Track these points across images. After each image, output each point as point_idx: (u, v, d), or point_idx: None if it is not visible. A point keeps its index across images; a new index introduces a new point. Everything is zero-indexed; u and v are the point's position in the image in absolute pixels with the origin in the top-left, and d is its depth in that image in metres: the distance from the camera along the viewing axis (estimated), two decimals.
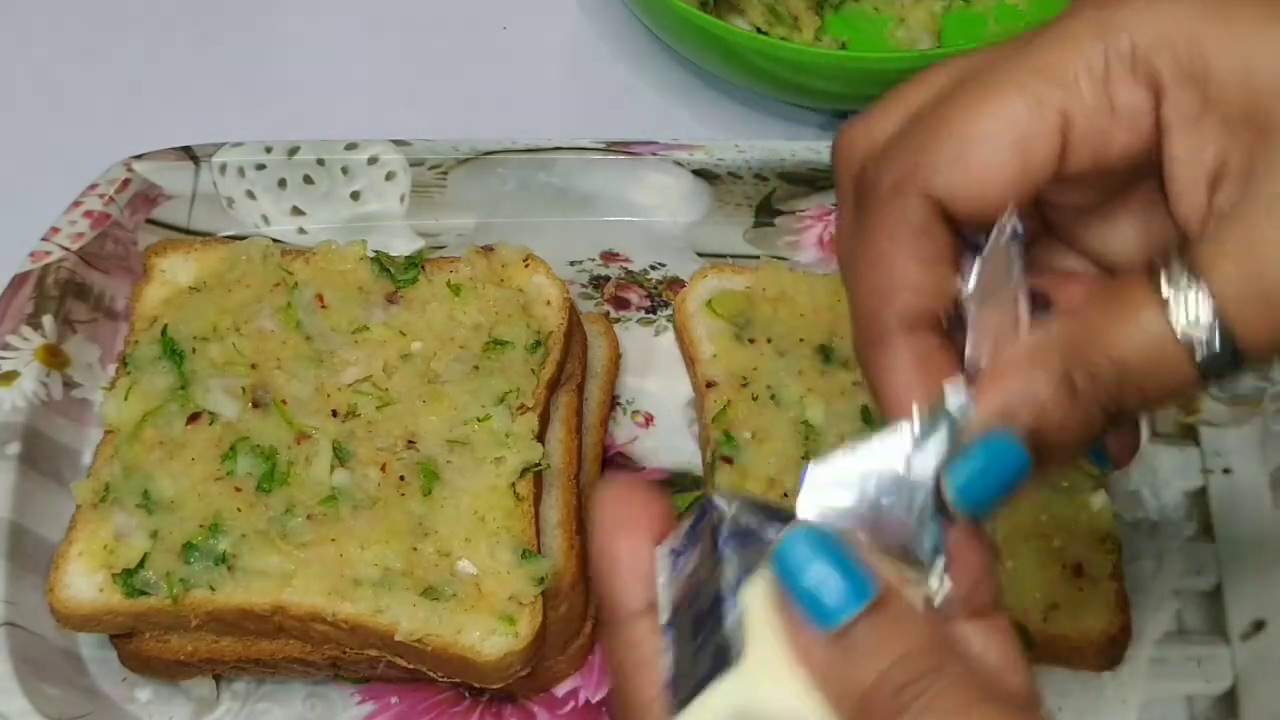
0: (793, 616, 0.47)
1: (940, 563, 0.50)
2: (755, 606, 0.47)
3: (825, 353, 0.89)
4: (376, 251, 0.90)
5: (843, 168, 0.56)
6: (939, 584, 0.50)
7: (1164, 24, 0.49)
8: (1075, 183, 0.52)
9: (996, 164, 0.50)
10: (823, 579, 0.46)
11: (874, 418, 0.86)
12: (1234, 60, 0.48)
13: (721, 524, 0.49)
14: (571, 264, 0.97)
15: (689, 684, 0.48)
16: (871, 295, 0.52)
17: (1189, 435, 0.91)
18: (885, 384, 0.52)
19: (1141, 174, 0.52)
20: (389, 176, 0.98)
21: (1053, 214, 0.56)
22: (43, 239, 0.93)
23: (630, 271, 0.98)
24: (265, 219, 0.99)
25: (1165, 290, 0.48)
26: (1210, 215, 0.50)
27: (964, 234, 0.52)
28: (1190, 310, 0.48)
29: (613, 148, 0.97)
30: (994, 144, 0.50)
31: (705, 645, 0.48)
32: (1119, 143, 0.50)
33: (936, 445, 0.50)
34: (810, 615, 0.46)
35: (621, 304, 0.97)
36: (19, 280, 0.91)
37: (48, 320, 0.90)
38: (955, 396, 0.50)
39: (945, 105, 0.51)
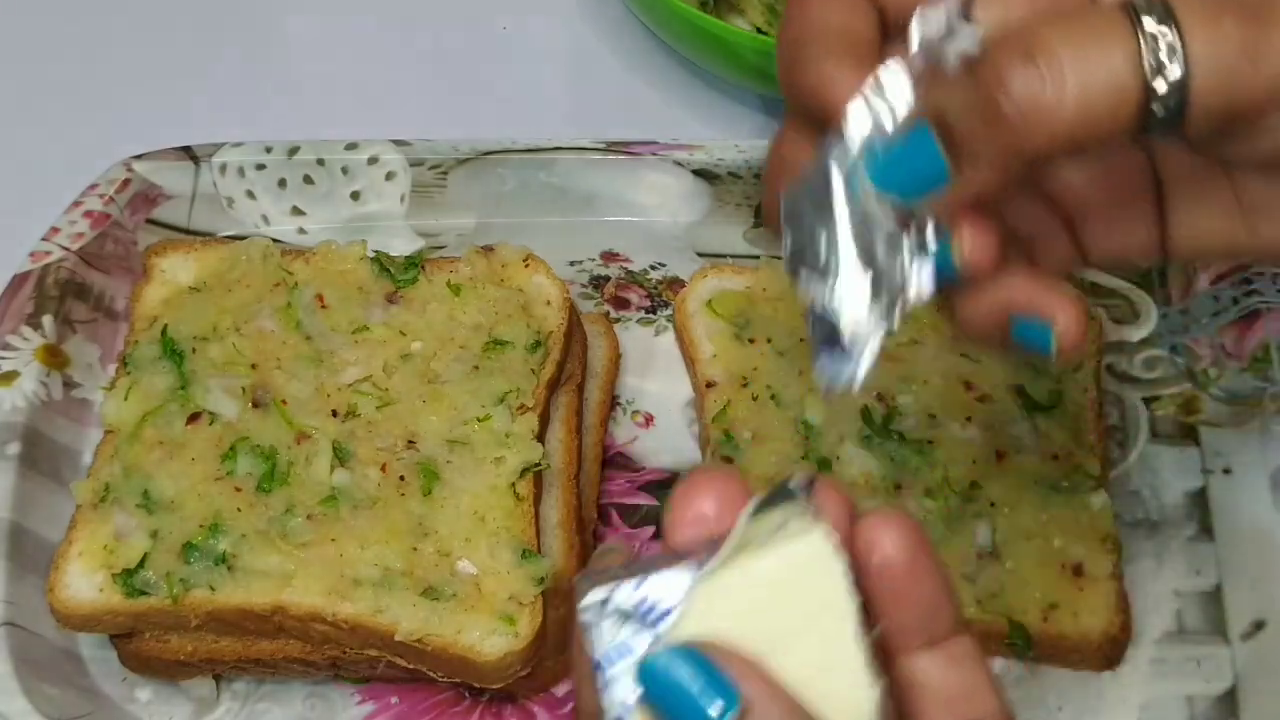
0: None
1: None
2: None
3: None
4: (376, 251, 0.90)
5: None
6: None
7: None
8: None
9: None
10: (684, 699, 0.45)
11: (874, 417, 0.86)
12: None
13: (598, 637, 0.48)
14: (571, 264, 0.98)
15: None
16: (803, 34, 0.52)
17: (1189, 435, 0.91)
18: (823, 83, 0.51)
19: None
20: (389, 176, 0.98)
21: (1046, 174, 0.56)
22: (43, 239, 0.93)
23: (630, 271, 0.98)
24: (265, 219, 0.99)
25: (1147, 26, 0.46)
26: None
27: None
28: (1159, 55, 0.46)
29: (613, 148, 0.97)
30: None
31: None
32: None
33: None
34: None
35: (621, 304, 0.97)
36: (19, 280, 0.91)
37: (48, 320, 0.90)
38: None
39: None
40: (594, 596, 0.49)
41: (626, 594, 0.48)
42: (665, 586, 0.48)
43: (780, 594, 0.47)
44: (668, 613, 0.48)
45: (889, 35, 0.53)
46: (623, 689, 0.47)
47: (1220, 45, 0.46)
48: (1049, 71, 0.46)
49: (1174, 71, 0.46)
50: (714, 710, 0.45)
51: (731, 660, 0.46)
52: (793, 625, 0.47)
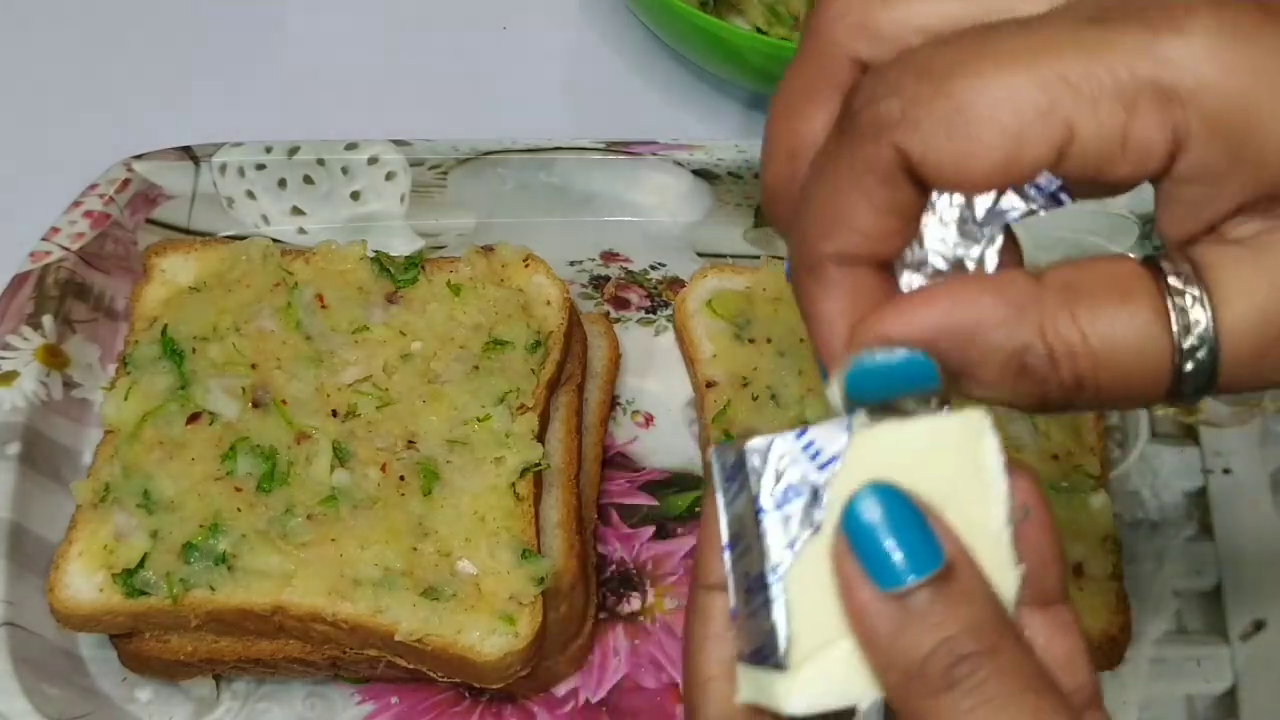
0: (851, 576, 0.45)
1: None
2: (808, 564, 0.46)
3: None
4: (376, 251, 0.90)
5: (823, 46, 0.50)
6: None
7: (1216, 76, 0.44)
8: (1076, 180, 0.47)
9: (983, 152, 0.45)
10: (893, 540, 0.45)
11: None
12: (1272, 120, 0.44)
13: (760, 479, 0.47)
14: (571, 264, 0.98)
15: (747, 658, 0.48)
16: (817, 223, 0.48)
17: (1189, 435, 0.91)
18: (816, 311, 0.49)
19: None
20: (389, 176, 0.98)
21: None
22: (43, 239, 0.93)
23: (630, 271, 0.98)
24: (265, 219, 0.99)
25: (1175, 287, 0.45)
26: (1229, 239, 0.46)
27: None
28: (1188, 315, 0.45)
29: (613, 148, 0.97)
30: (987, 133, 0.45)
31: (759, 614, 0.47)
32: (1118, 173, 0.45)
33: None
34: (873, 576, 0.45)
35: (621, 304, 0.97)
36: (19, 280, 0.91)
37: (48, 320, 0.90)
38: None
39: (956, 62, 0.45)
40: (758, 442, 0.47)
41: (790, 442, 0.48)
42: (826, 437, 0.47)
43: (938, 459, 0.47)
44: (833, 460, 0.47)
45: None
46: (790, 533, 0.46)
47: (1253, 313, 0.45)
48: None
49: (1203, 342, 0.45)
50: (919, 563, 0.45)
51: (934, 516, 0.46)
52: (947, 491, 0.47)
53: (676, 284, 0.97)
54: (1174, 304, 0.45)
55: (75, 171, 0.95)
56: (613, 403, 0.93)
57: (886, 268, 0.48)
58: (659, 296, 0.97)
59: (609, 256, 0.99)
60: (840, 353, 0.48)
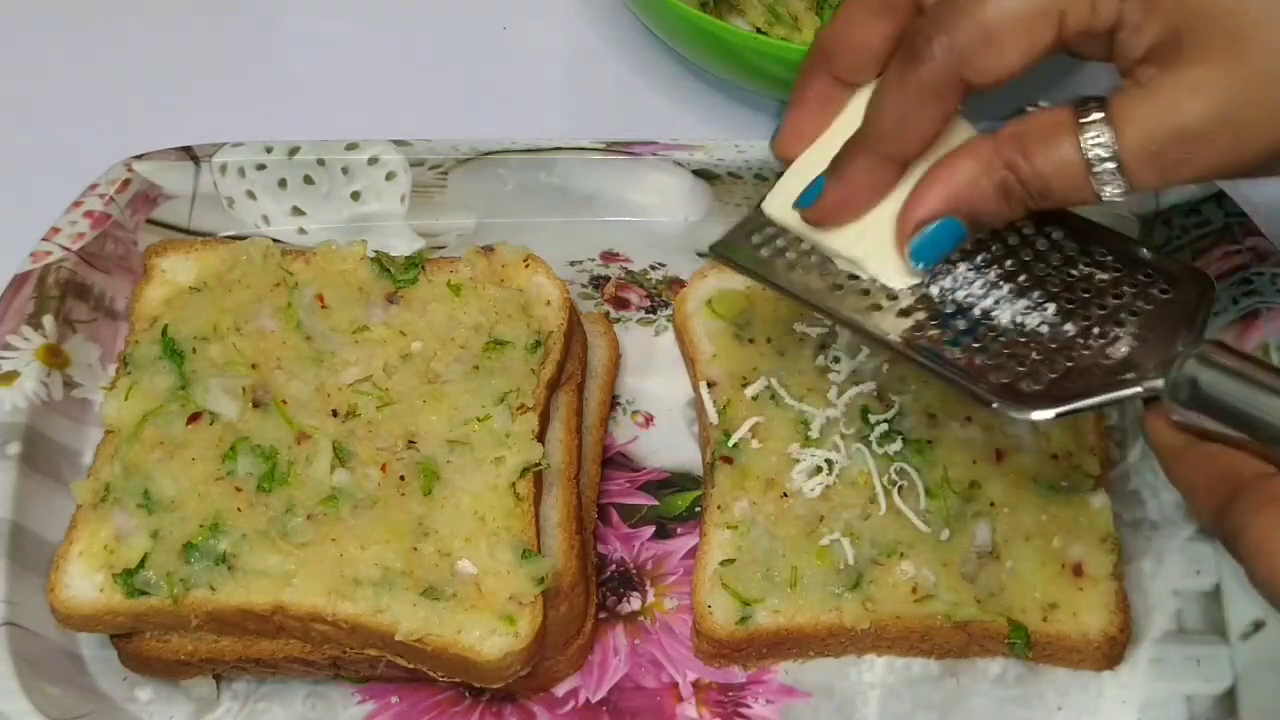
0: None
1: None
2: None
3: (825, 352, 0.89)
4: (377, 251, 0.90)
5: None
6: None
7: None
8: (1071, 48, 0.69)
9: (1011, 51, 0.67)
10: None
11: (872, 413, 0.86)
12: None
13: None
14: (571, 264, 0.98)
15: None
16: (887, 130, 0.70)
17: None
18: (854, 185, 0.72)
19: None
20: (389, 177, 0.98)
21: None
22: (43, 239, 0.93)
23: (630, 271, 0.98)
24: (265, 219, 0.99)
25: (1085, 122, 0.66)
26: (1131, 80, 0.67)
27: None
28: (1098, 142, 0.66)
29: (613, 148, 0.97)
30: (1011, 37, 0.67)
31: None
32: (1096, 25, 0.67)
33: None
34: None
35: (621, 304, 0.97)
36: (19, 280, 0.91)
37: (48, 320, 0.90)
38: None
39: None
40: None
41: None
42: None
43: None
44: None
45: None
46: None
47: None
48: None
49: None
50: None
51: None
52: None
53: (676, 284, 0.97)
54: (1084, 132, 0.66)
55: (75, 171, 0.95)
56: (613, 403, 0.93)
57: (904, 169, 0.72)
58: (659, 296, 0.97)
59: (609, 256, 0.99)
60: (830, 201, 0.72)
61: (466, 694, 0.84)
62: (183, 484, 0.81)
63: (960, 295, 0.72)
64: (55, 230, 0.93)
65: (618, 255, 0.99)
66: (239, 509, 0.80)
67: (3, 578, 0.82)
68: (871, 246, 0.73)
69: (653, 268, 0.98)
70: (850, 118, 0.74)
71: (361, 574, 0.78)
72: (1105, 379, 0.69)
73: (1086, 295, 0.72)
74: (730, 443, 0.86)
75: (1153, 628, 0.85)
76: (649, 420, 0.94)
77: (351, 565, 0.79)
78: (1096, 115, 0.66)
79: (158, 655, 0.82)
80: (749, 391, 0.88)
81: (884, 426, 0.86)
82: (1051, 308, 0.71)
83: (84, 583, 0.80)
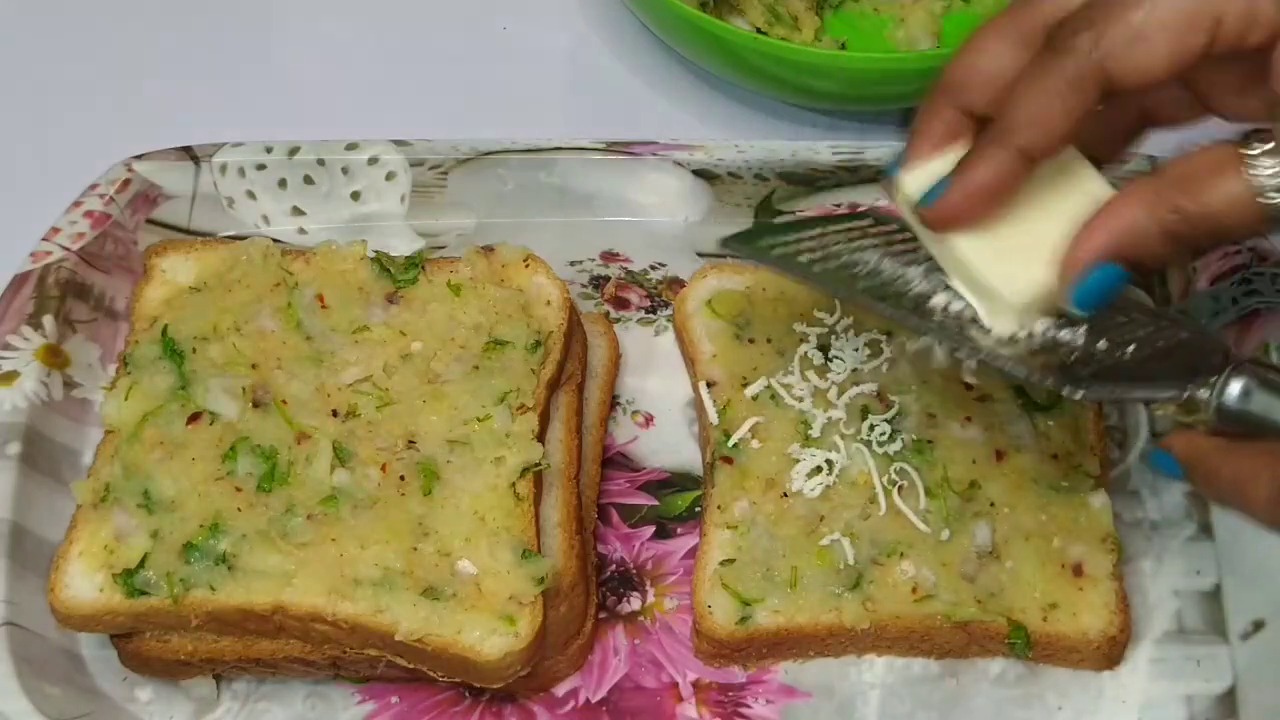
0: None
1: None
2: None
3: (825, 352, 0.89)
4: (377, 251, 0.90)
5: (1026, 4, 0.71)
6: None
7: None
8: (1217, 62, 0.67)
9: (1160, 50, 0.66)
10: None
11: (872, 413, 0.86)
12: None
13: None
14: (571, 264, 0.98)
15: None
16: (1019, 121, 0.68)
17: None
18: (974, 175, 0.69)
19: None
20: (389, 176, 0.98)
21: (1206, 86, 0.72)
22: (43, 239, 0.93)
23: (630, 271, 0.98)
24: (265, 219, 0.99)
25: (1250, 154, 0.65)
26: None
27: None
28: (1268, 173, 0.65)
29: (613, 148, 0.97)
30: (1161, 35, 0.66)
31: None
32: (1250, 41, 0.66)
33: None
34: None
35: (621, 304, 0.97)
36: (19, 280, 0.91)
37: (48, 320, 0.90)
38: None
39: None
40: None
41: None
42: None
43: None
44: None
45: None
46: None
47: None
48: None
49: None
50: None
51: None
52: None
53: (676, 284, 0.97)
54: (1251, 165, 0.65)
55: (75, 171, 0.95)
56: (613, 403, 0.93)
57: (1032, 167, 0.69)
58: (659, 296, 0.97)
59: (609, 256, 0.99)
60: (955, 197, 0.70)
61: (466, 694, 0.84)
62: (183, 484, 0.81)
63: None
64: (55, 230, 0.93)
65: (618, 255, 0.99)
66: (239, 509, 0.80)
67: (3, 578, 0.82)
68: (999, 295, 0.71)
69: (653, 268, 0.98)
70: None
71: (361, 574, 0.78)
72: (1143, 380, 0.70)
73: (1113, 323, 0.72)
74: (730, 443, 0.86)
75: (1153, 628, 0.85)
76: (649, 420, 0.94)
77: (351, 565, 0.79)
78: (1261, 145, 0.65)
79: (158, 655, 0.82)
80: (749, 391, 0.88)
81: (884, 426, 0.86)
82: (1083, 328, 0.72)
83: (84, 583, 0.80)
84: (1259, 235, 0.67)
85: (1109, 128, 0.74)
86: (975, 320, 0.72)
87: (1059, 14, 0.69)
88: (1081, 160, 0.72)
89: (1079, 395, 0.69)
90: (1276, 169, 0.65)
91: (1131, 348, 0.71)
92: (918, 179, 0.72)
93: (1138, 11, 0.66)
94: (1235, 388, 0.68)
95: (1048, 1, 0.70)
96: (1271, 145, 0.65)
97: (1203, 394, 0.68)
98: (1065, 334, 0.71)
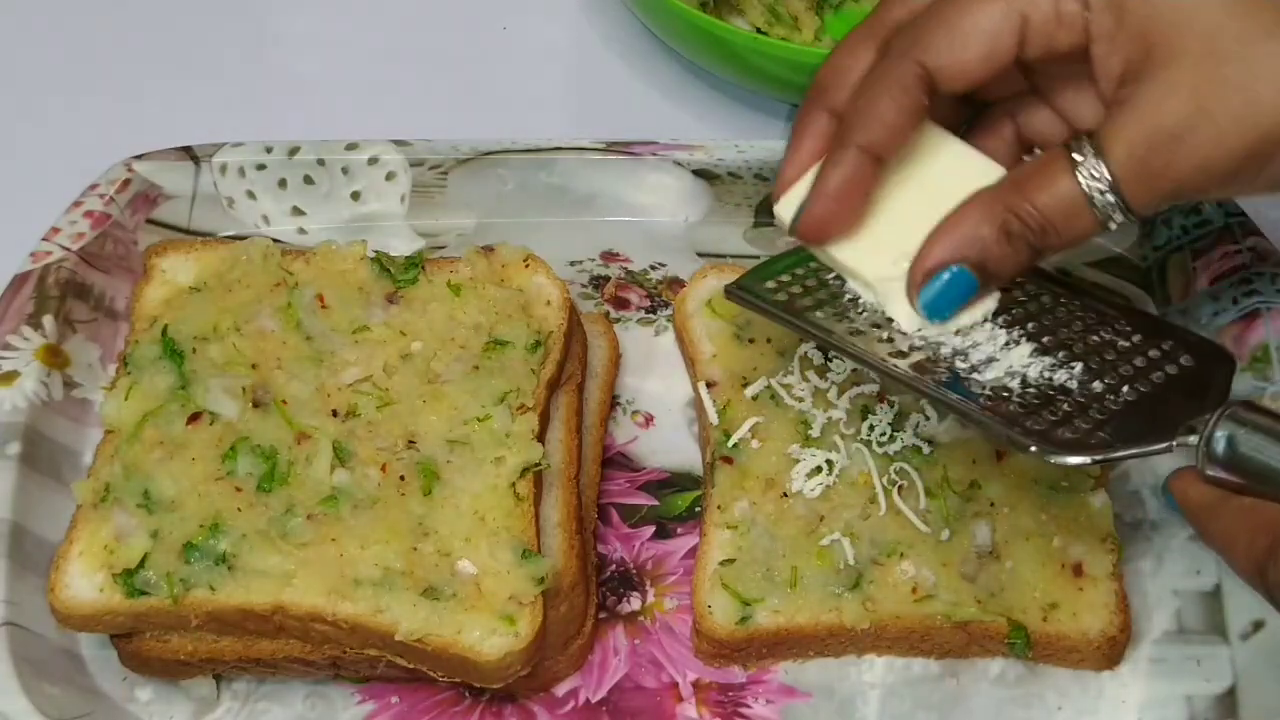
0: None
1: None
2: None
3: (825, 352, 0.89)
4: (377, 251, 0.90)
5: (883, 11, 0.75)
6: None
7: None
8: (1038, 66, 0.73)
9: (973, 49, 0.71)
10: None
11: (871, 413, 0.86)
12: None
13: None
14: (571, 264, 0.98)
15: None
16: (857, 119, 0.71)
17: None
18: (826, 177, 0.72)
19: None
20: (389, 176, 0.98)
21: (1050, 95, 0.76)
22: (43, 239, 0.93)
23: (630, 271, 0.98)
24: (265, 219, 0.99)
25: (1078, 158, 0.69)
26: (1113, 103, 0.70)
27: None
28: (1093, 174, 0.68)
29: (613, 148, 0.97)
30: (974, 36, 0.70)
31: None
32: (1061, 41, 0.71)
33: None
34: None
35: (621, 304, 0.98)
36: (19, 280, 0.91)
37: (48, 320, 0.90)
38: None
39: (949, 3, 0.71)
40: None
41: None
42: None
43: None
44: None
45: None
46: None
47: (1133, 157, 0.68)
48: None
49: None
50: None
51: None
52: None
53: (676, 284, 0.97)
54: (1079, 167, 0.69)
55: (75, 171, 0.95)
56: (613, 403, 0.93)
57: (880, 164, 0.72)
58: (659, 296, 0.97)
59: (609, 256, 0.99)
60: (815, 207, 0.73)
61: (466, 694, 0.84)
62: (183, 484, 0.81)
63: (987, 351, 0.73)
64: (55, 230, 0.93)
65: (618, 255, 0.99)
66: (239, 509, 0.80)
67: (3, 578, 0.82)
68: (890, 286, 0.74)
69: (653, 268, 0.98)
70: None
71: (361, 574, 0.78)
72: (1137, 432, 0.69)
73: (1112, 359, 0.73)
74: (730, 443, 0.86)
75: (1153, 628, 0.85)
76: (649, 420, 0.94)
77: (351, 565, 0.79)
78: (1086, 146, 0.69)
79: (158, 655, 0.82)
80: (749, 391, 0.88)
81: (884, 426, 0.86)
82: (1079, 366, 0.72)
83: (84, 583, 0.80)
84: (1092, 236, 0.70)
85: (993, 146, 0.77)
86: (969, 377, 0.72)
87: (908, 18, 0.74)
88: (968, 149, 0.75)
89: (1069, 462, 0.69)
90: (1098, 169, 0.68)
91: (1126, 389, 0.71)
92: (789, 205, 0.75)
93: (956, 14, 0.71)
94: (1221, 439, 0.67)
95: (899, 6, 0.75)
96: (1093, 146, 0.69)
97: (1191, 440, 0.68)
98: (1061, 375, 0.72)
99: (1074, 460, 0.68)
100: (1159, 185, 0.68)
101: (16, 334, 0.90)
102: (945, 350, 0.73)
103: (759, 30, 1.05)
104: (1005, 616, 0.82)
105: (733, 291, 0.76)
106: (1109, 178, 0.68)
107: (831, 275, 0.76)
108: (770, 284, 0.76)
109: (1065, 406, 0.70)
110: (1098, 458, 0.69)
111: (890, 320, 0.74)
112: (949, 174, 0.74)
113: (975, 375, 0.72)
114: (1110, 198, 0.68)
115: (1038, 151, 0.76)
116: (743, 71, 1.03)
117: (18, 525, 0.84)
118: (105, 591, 0.79)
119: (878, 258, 0.74)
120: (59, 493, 0.86)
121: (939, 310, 0.72)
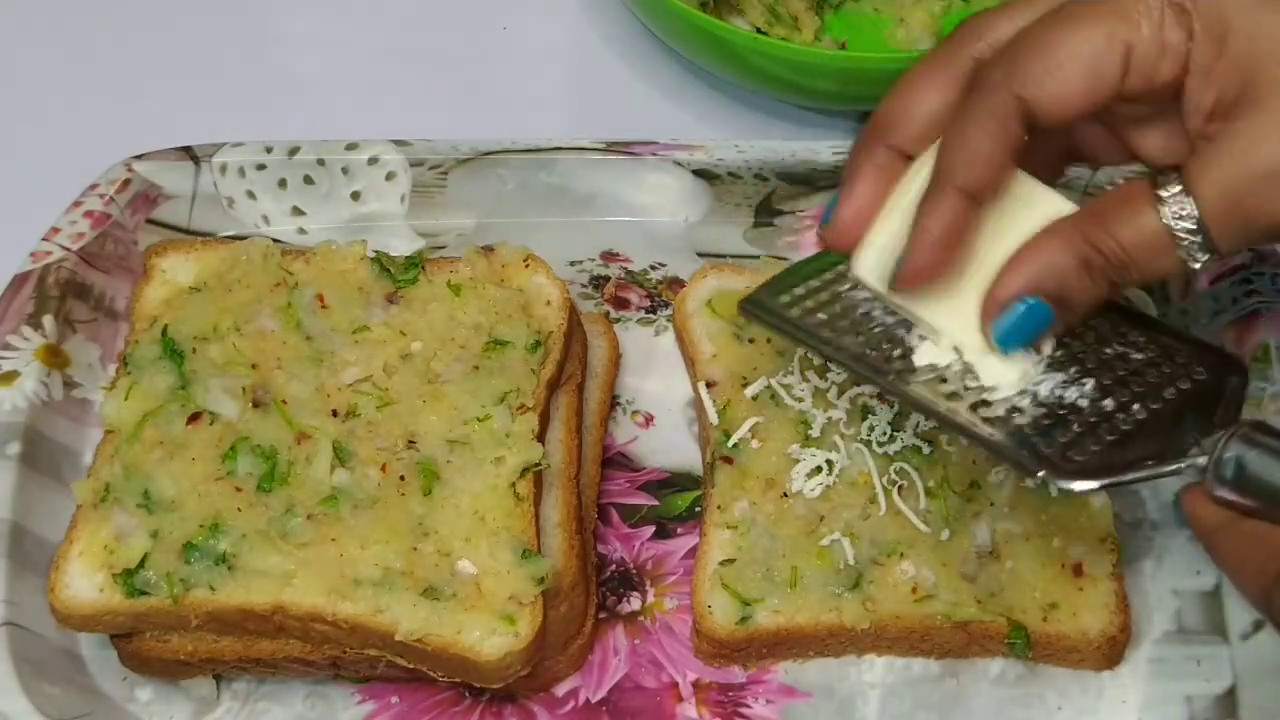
0: None
1: None
2: None
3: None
4: (376, 251, 0.90)
5: (955, 44, 0.72)
6: None
7: None
8: (1133, 99, 0.69)
9: (1075, 79, 0.67)
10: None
11: (871, 414, 0.86)
12: (1246, 28, 0.65)
13: None
14: (571, 264, 0.98)
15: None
16: (952, 161, 0.68)
17: None
18: (927, 222, 0.69)
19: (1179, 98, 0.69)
20: (389, 176, 0.98)
21: (1117, 122, 0.73)
22: (43, 239, 0.93)
23: (630, 271, 0.98)
24: (265, 219, 0.99)
25: (1164, 194, 0.66)
26: (1203, 138, 0.67)
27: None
28: (1179, 211, 0.66)
29: (613, 148, 0.97)
30: (1075, 65, 0.67)
31: None
32: (1163, 71, 0.67)
33: None
34: None
35: (621, 304, 0.98)
36: (19, 280, 0.91)
37: (48, 320, 0.90)
38: None
39: (1043, 29, 0.68)
40: None
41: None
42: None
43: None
44: None
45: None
46: None
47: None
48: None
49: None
50: None
51: None
52: None
53: (676, 284, 0.97)
54: (1164, 203, 0.66)
55: (75, 171, 0.95)
56: (613, 403, 0.93)
57: (978, 205, 0.69)
58: (659, 296, 0.97)
59: (609, 256, 0.99)
60: (917, 258, 0.69)
61: (466, 694, 0.84)
62: (183, 484, 0.81)
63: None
64: (55, 230, 0.93)
65: (618, 255, 0.99)
66: (239, 509, 0.80)
67: (3, 578, 0.82)
68: (968, 335, 0.72)
69: (653, 268, 0.98)
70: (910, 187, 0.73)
71: (361, 574, 0.78)
72: (1147, 454, 0.69)
73: (1123, 374, 0.72)
74: (730, 443, 0.86)
75: (1153, 628, 0.85)
76: (649, 420, 0.94)
77: (351, 565, 0.79)
78: (1173, 182, 0.66)
79: (158, 655, 0.82)
80: (749, 391, 0.88)
81: (884, 426, 0.86)
82: (1090, 383, 0.71)
83: (84, 583, 0.80)
84: (1175, 273, 0.68)
85: (1038, 168, 0.74)
86: (980, 398, 0.71)
87: (987, 51, 0.71)
88: (1037, 185, 0.71)
89: (1075, 488, 0.68)
90: (1184, 205, 0.66)
91: (1136, 407, 0.71)
92: (866, 260, 0.73)
93: (1053, 43, 0.67)
94: (1230, 461, 0.67)
95: (976, 39, 0.71)
96: (1179, 181, 0.66)
97: (1201, 461, 0.68)
98: (1073, 392, 0.71)
99: (1081, 487, 0.68)
100: (1250, 227, 0.66)
101: (16, 334, 0.90)
102: (956, 368, 0.72)
103: (759, 30, 1.05)
104: (1005, 616, 0.82)
105: (747, 309, 0.76)
106: (1196, 216, 0.66)
107: (846, 287, 0.74)
108: (784, 298, 0.75)
109: (1076, 427, 0.70)
110: (1105, 483, 0.68)
111: (972, 374, 0.72)
112: (1025, 213, 0.71)
113: (986, 395, 0.71)
114: (1196, 237, 0.66)
115: (1116, 181, 0.74)
116: (743, 71, 1.03)
117: (18, 525, 0.84)
118: (105, 591, 0.79)
119: (963, 314, 0.72)
120: (59, 493, 0.86)
121: (1012, 342, 0.70)
